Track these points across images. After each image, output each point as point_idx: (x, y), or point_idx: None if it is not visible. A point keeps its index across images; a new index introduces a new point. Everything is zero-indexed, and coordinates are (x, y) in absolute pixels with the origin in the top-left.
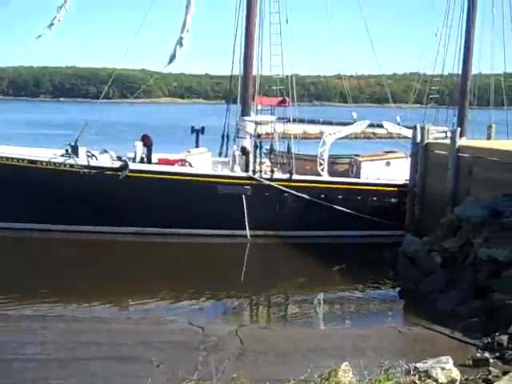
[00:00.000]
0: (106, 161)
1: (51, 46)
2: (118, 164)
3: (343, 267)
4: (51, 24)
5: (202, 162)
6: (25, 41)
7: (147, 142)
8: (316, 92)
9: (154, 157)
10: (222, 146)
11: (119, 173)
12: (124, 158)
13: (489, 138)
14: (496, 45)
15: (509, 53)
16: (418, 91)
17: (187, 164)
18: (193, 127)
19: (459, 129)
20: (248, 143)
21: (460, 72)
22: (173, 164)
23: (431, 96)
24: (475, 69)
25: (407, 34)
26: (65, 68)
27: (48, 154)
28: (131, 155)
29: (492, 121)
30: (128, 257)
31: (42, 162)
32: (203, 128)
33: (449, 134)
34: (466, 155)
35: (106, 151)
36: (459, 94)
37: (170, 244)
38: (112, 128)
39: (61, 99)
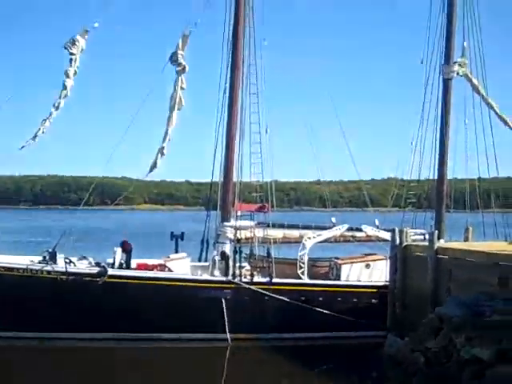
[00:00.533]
0: (84, 267)
1: (34, 155)
2: (96, 270)
3: (325, 369)
4: (35, 136)
5: (182, 267)
6: (7, 150)
7: (127, 247)
8: (296, 197)
9: (134, 262)
10: (201, 251)
11: (97, 279)
12: (103, 264)
13: (466, 240)
14: (470, 151)
15: (482, 158)
16: (395, 195)
17: (166, 269)
18: (172, 233)
19: (437, 231)
20: (228, 248)
21: (436, 177)
22: (152, 269)
23: (409, 200)
24: (450, 174)
25: (384, 141)
26: (46, 177)
27: (25, 260)
28: (110, 261)
29: (469, 223)
30: (103, 362)
31: (19, 269)
32: (183, 234)
33: (427, 237)
34: (444, 257)
35: (84, 257)
36: (436, 198)
37: (150, 349)
38: (92, 234)
39: (41, 207)
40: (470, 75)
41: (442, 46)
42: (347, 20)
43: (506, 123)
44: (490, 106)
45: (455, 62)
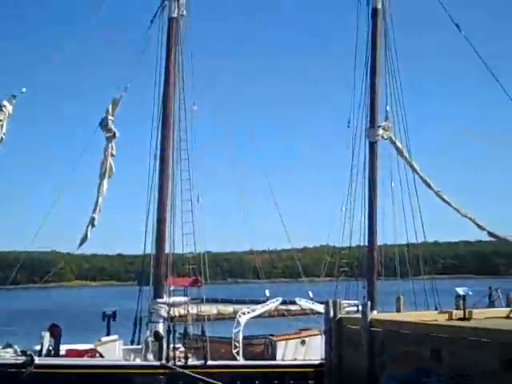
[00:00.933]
0: (8, 356)
1: None
2: (22, 359)
3: None
4: None
5: (114, 351)
6: None
7: (55, 332)
8: (229, 268)
9: (63, 348)
10: (134, 332)
11: (23, 369)
12: (29, 352)
13: (398, 310)
14: (398, 217)
15: (410, 224)
16: (328, 264)
17: (97, 355)
18: (104, 313)
19: (369, 302)
20: (161, 327)
21: (366, 243)
22: (82, 355)
23: (341, 269)
24: (380, 240)
25: (315, 206)
26: None
27: None
28: (38, 348)
29: (400, 291)
30: None
31: None
32: (115, 313)
33: (360, 308)
34: (378, 329)
35: (10, 345)
36: (367, 267)
37: None
38: (19, 317)
39: None
40: (394, 138)
41: (367, 110)
42: (271, 93)
43: (429, 186)
44: (414, 170)
45: (379, 126)
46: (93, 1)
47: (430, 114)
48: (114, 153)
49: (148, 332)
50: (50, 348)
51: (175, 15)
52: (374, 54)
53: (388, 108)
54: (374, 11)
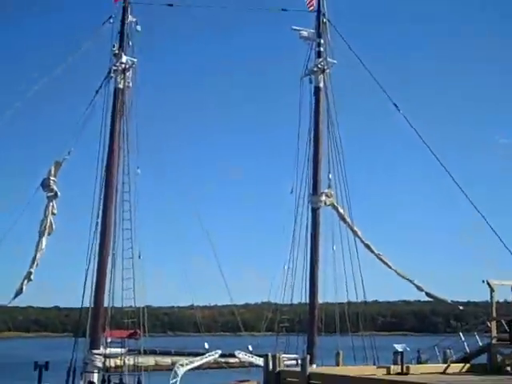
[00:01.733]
0: None
1: None
2: None
3: None
4: None
5: None
6: None
7: None
8: (170, 322)
9: None
10: (67, 382)
11: None
12: None
13: (337, 364)
14: (339, 277)
15: (350, 284)
16: (269, 319)
17: None
18: (36, 363)
19: (308, 356)
20: (96, 378)
21: (307, 301)
22: None
23: (282, 324)
24: (321, 298)
25: (258, 265)
26: None
27: None
28: None
29: (339, 346)
30: None
31: None
32: (47, 363)
33: (299, 362)
34: (317, 382)
35: None
36: (308, 322)
37: None
38: None
39: None
40: (336, 205)
41: (310, 177)
42: (215, 154)
43: (369, 249)
44: (355, 233)
45: (322, 193)
46: (40, 66)
47: (373, 181)
48: (55, 211)
49: (81, 382)
50: None
51: (121, 86)
52: (317, 126)
53: (331, 176)
54: (316, 89)
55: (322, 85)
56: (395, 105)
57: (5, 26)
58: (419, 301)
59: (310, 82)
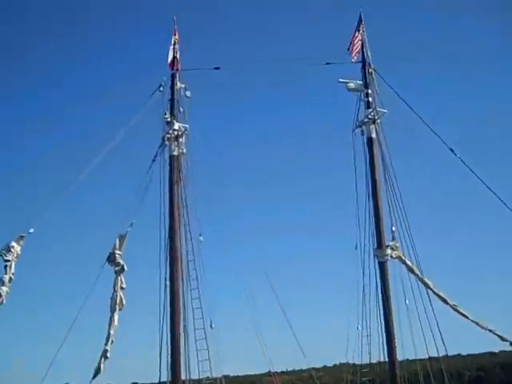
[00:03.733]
0: None
1: None
2: None
3: None
4: None
5: None
6: None
7: None
8: None
9: None
10: None
11: None
12: None
13: None
14: (416, 332)
15: (429, 338)
16: (350, 382)
17: None
18: None
19: None
20: None
21: (386, 359)
22: None
23: None
24: (400, 355)
25: (329, 326)
26: None
27: None
28: None
29: None
30: None
31: None
32: None
33: None
34: None
35: None
36: (390, 382)
37: None
38: None
39: None
40: (403, 257)
41: (373, 231)
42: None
43: (444, 301)
44: (427, 286)
45: (387, 246)
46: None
47: (438, 229)
48: (124, 286)
49: None
50: None
51: (175, 153)
52: (374, 180)
53: (394, 228)
54: (369, 140)
55: (374, 135)
56: (451, 150)
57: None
58: (505, 351)
59: (362, 134)
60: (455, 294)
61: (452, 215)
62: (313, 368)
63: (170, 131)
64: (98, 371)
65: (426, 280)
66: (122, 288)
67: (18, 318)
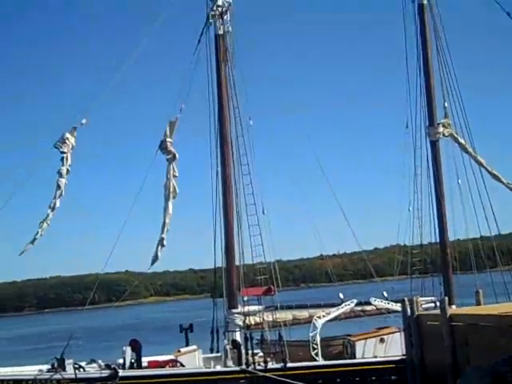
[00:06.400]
0: (94, 371)
1: (33, 258)
2: (107, 373)
3: None
4: (34, 239)
5: (194, 360)
6: (5, 256)
7: (136, 346)
8: (301, 274)
9: (144, 360)
10: (212, 341)
11: (109, 382)
12: (113, 366)
13: (478, 303)
14: (468, 212)
15: (481, 218)
16: (401, 263)
17: (178, 364)
18: (181, 326)
19: (447, 298)
20: (238, 336)
21: (438, 240)
22: (164, 366)
23: (415, 267)
24: (452, 236)
25: (382, 208)
26: (48, 279)
27: (34, 370)
28: (121, 361)
29: (477, 285)
30: None
31: (27, 380)
32: (191, 325)
33: (438, 304)
34: (459, 323)
35: (93, 360)
36: (441, 262)
37: None
38: (100, 334)
39: (46, 310)
40: (455, 135)
41: (424, 108)
42: (324, 95)
43: (498, 179)
44: (480, 164)
45: (439, 124)
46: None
47: (489, 106)
48: (177, 174)
49: (226, 341)
50: (133, 361)
51: (221, 32)
52: (426, 51)
53: (446, 105)
54: (420, 7)
55: (425, 2)
56: (508, 14)
57: None
58: None
59: (413, 1)
60: (509, 173)
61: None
62: (364, 251)
63: (214, 7)
64: (155, 258)
65: (479, 158)
66: (174, 176)
67: (75, 214)
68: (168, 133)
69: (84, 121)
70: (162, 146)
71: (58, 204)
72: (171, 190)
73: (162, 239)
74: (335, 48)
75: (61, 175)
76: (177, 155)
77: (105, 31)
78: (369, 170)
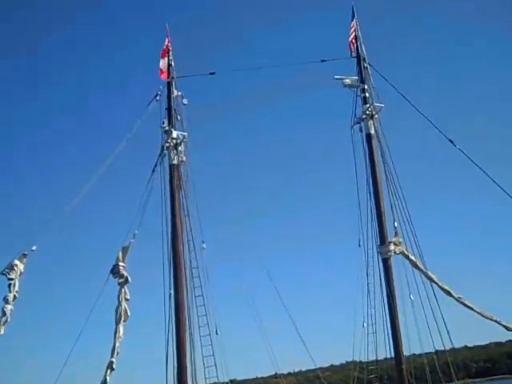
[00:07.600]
0: None
1: None
2: None
3: None
4: None
5: None
6: None
7: None
8: None
9: None
10: None
11: None
12: None
13: None
14: (421, 326)
15: (435, 332)
16: (357, 380)
17: None
18: None
19: None
20: None
21: (393, 355)
22: None
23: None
24: (407, 350)
25: (336, 324)
26: None
27: None
28: None
29: None
30: None
31: None
32: None
33: None
34: None
35: None
36: (397, 377)
37: None
38: None
39: None
40: (406, 252)
41: (376, 228)
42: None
43: (449, 294)
44: (431, 279)
45: (390, 242)
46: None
47: (438, 222)
48: (128, 297)
49: None
50: None
51: (175, 162)
52: (374, 176)
53: (396, 224)
54: (368, 136)
55: (373, 131)
56: (451, 141)
57: None
58: (511, 341)
59: (361, 131)
60: (459, 287)
61: (454, 207)
62: (320, 368)
63: (169, 140)
64: (104, 383)
65: (430, 274)
66: (126, 299)
67: (25, 336)
68: (121, 257)
69: (34, 247)
70: (115, 271)
71: (2, 331)
72: (122, 312)
73: (111, 363)
74: (288, 166)
75: (7, 301)
76: (129, 278)
77: None
78: (323, 286)
